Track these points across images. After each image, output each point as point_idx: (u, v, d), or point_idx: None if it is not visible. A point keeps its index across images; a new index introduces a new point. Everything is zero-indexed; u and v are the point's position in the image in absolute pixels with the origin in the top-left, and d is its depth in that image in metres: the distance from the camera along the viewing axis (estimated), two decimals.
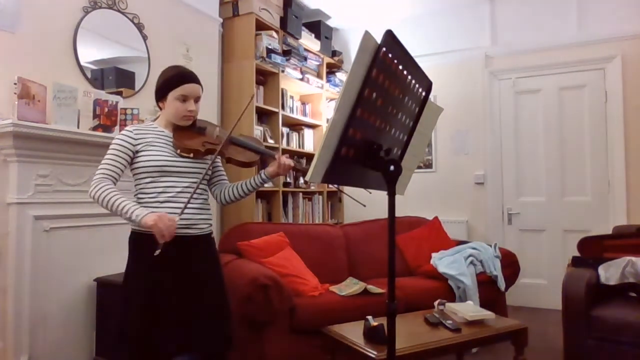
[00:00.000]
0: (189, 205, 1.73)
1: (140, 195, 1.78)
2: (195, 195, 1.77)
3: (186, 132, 1.84)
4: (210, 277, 1.84)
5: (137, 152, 1.76)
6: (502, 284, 3.32)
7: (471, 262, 3.29)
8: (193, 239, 1.80)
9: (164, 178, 1.75)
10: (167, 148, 1.79)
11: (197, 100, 1.82)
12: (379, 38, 1.12)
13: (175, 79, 1.78)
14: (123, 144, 1.75)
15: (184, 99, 1.78)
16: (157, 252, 1.60)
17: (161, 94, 1.81)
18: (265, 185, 1.96)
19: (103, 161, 1.73)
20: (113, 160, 1.73)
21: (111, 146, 1.76)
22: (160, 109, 1.86)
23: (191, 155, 1.80)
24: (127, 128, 1.81)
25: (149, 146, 1.77)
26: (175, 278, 1.74)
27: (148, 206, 1.73)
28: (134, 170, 1.79)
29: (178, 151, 1.78)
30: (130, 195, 1.81)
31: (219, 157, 1.95)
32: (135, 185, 1.81)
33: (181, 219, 1.70)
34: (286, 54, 4.23)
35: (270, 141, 4.00)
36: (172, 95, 1.78)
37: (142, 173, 1.76)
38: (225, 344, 1.83)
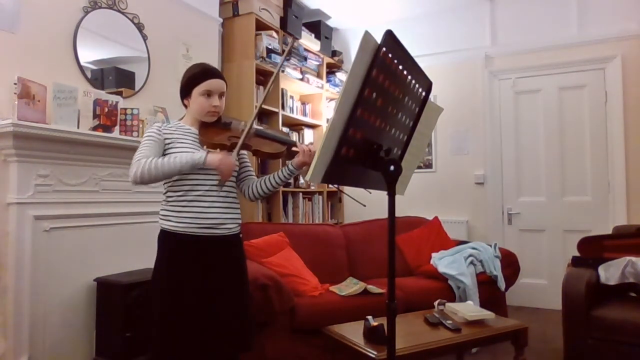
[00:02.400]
0: (216, 204, 1.75)
1: (168, 194, 1.79)
2: (223, 194, 1.79)
3: (212, 128, 1.84)
4: (235, 279, 1.83)
5: (166, 148, 1.77)
6: (502, 284, 3.32)
7: (471, 262, 3.29)
8: (221, 239, 1.79)
9: (192, 175, 1.75)
10: (193, 145, 1.79)
11: (221, 95, 1.83)
12: (379, 38, 1.12)
13: (200, 74, 1.79)
14: (155, 136, 1.76)
15: (209, 94, 1.79)
16: (219, 184, 1.69)
17: (186, 91, 1.82)
18: (292, 177, 1.93)
19: (139, 150, 1.73)
20: (149, 146, 1.73)
21: (143, 139, 1.77)
22: (186, 107, 1.87)
23: (217, 150, 1.79)
24: (154, 125, 1.82)
25: (176, 143, 1.77)
26: (201, 278, 1.74)
27: (177, 205, 1.75)
28: None
29: (204, 147, 1.79)
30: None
31: (247, 152, 1.93)
32: (164, 184, 1.81)
33: (208, 218, 1.72)
34: None
35: None
36: (197, 91, 1.79)
37: None
38: (245, 346, 1.83)
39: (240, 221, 1.90)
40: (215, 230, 1.77)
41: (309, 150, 1.81)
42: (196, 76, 1.79)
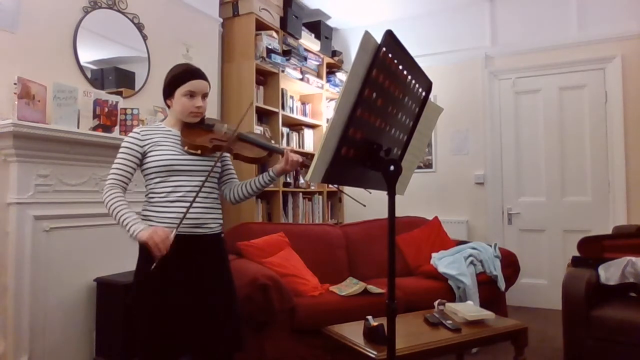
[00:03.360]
0: (198, 204, 1.73)
1: (150, 195, 1.79)
2: (204, 194, 1.78)
3: (194, 129, 1.84)
4: (219, 278, 1.83)
5: (145, 153, 1.77)
6: (502, 284, 3.32)
7: (471, 262, 3.29)
8: (202, 239, 1.79)
9: (173, 177, 1.75)
10: (174, 147, 1.79)
11: (204, 96, 1.83)
12: (379, 38, 1.12)
13: (182, 75, 1.79)
14: (130, 147, 1.77)
15: (191, 94, 1.79)
16: (153, 266, 1.59)
17: (169, 92, 1.82)
18: (272, 183, 1.93)
19: (113, 166, 1.76)
20: (121, 164, 1.75)
21: (120, 150, 1.77)
22: (169, 107, 1.86)
23: (199, 152, 1.79)
24: (134, 130, 1.82)
25: (156, 146, 1.77)
26: (184, 278, 1.74)
27: (158, 206, 1.74)
28: (144, 172, 1.80)
29: (185, 148, 1.78)
30: (141, 195, 1.81)
31: (228, 154, 1.93)
32: (146, 185, 1.81)
33: (190, 218, 1.71)
34: (286, 54, 4.23)
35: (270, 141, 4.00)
36: (180, 91, 1.78)
37: (151, 173, 1.77)
38: (235, 344, 1.82)
39: (221, 221, 1.90)
40: (197, 230, 1.77)
41: (295, 160, 1.81)
42: (179, 77, 1.79)
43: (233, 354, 1.85)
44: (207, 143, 1.79)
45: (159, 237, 1.59)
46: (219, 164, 1.88)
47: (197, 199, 1.73)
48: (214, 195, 1.86)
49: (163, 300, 1.71)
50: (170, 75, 1.82)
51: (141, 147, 1.77)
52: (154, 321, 1.71)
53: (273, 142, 3.93)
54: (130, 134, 1.80)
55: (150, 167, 1.76)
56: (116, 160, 1.76)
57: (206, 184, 1.78)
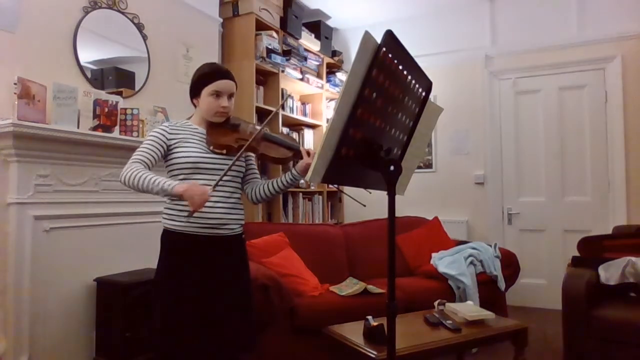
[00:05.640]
0: (220, 204, 1.74)
1: None
2: (227, 194, 1.78)
3: (220, 128, 1.83)
4: (237, 279, 1.84)
5: (171, 147, 1.77)
6: (502, 284, 3.32)
7: (471, 262, 3.29)
8: (224, 239, 1.79)
9: (197, 175, 1.75)
10: (200, 145, 1.79)
11: (230, 96, 1.82)
12: (379, 38, 1.12)
13: (209, 74, 1.79)
14: (158, 136, 1.77)
15: (218, 94, 1.78)
16: (187, 215, 1.62)
17: (195, 91, 1.82)
18: (295, 183, 1.93)
19: (136, 151, 1.74)
20: (147, 148, 1.74)
21: (146, 139, 1.78)
22: (195, 106, 1.86)
23: (224, 151, 1.78)
24: (163, 124, 1.83)
25: (183, 142, 1.77)
26: (204, 277, 1.75)
27: (180, 204, 1.74)
28: (168, 167, 1.80)
29: (211, 147, 1.78)
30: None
31: (253, 154, 1.92)
32: None
33: (211, 218, 1.72)
34: (286, 54, 4.23)
35: None
36: (206, 91, 1.78)
37: (175, 170, 1.77)
38: (247, 345, 1.83)
39: (243, 222, 1.89)
40: (218, 231, 1.77)
41: (308, 154, 1.81)
42: (205, 76, 1.79)
43: (238, 355, 1.85)
44: (232, 143, 1.79)
45: (196, 191, 1.58)
46: (242, 160, 1.87)
47: (219, 199, 1.74)
48: (237, 195, 1.86)
49: (180, 299, 1.72)
50: (197, 75, 1.82)
51: (168, 139, 1.77)
52: (170, 318, 1.72)
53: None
54: (160, 127, 1.80)
55: (175, 164, 1.76)
56: (141, 147, 1.75)
57: (229, 184, 1.79)
